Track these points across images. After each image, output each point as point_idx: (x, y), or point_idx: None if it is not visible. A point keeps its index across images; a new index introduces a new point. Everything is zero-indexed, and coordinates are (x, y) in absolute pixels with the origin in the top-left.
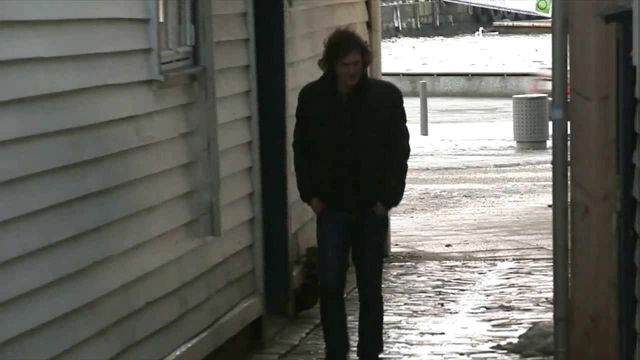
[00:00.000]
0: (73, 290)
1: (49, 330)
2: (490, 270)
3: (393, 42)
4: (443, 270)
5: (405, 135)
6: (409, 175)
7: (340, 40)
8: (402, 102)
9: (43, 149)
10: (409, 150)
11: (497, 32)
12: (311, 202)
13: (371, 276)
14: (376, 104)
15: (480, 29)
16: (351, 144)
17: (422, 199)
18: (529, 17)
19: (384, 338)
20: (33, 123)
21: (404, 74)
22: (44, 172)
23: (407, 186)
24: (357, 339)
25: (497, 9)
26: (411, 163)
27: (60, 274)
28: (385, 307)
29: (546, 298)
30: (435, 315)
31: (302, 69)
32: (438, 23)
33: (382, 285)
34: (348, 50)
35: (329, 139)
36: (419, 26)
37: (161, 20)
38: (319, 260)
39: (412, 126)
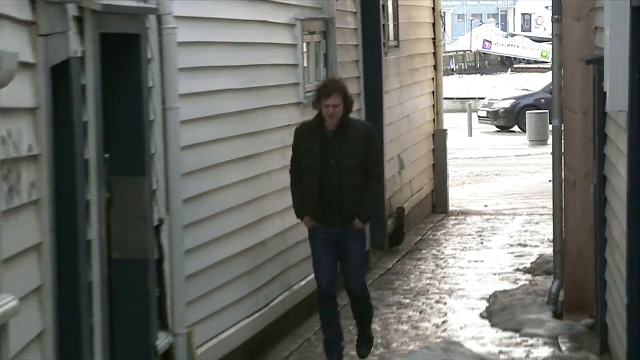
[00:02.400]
0: (252, 234)
1: (239, 258)
2: (512, 221)
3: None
4: (482, 221)
5: (379, 164)
6: (459, 161)
7: (325, 84)
8: (377, 138)
9: (233, 146)
10: (381, 177)
11: (515, 72)
12: (303, 219)
13: (355, 278)
14: (356, 139)
15: (509, 69)
16: (335, 171)
17: (468, 176)
18: (536, 61)
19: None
20: (226, 130)
21: (457, 98)
22: (234, 160)
23: (458, 167)
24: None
25: (516, 56)
26: (461, 153)
27: (245, 223)
28: (444, 246)
29: (548, 239)
30: (477, 249)
31: (392, 95)
32: (478, 66)
33: (443, 231)
34: (329, 94)
35: (317, 167)
36: (466, 67)
37: (305, 65)
38: (314, 269)
39: (462, 130)
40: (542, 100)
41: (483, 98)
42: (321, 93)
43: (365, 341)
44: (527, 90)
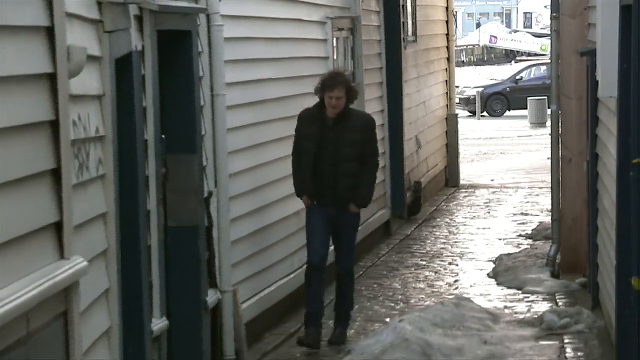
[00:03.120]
0: (287, 206)
1: (276, 226)
2: (515, 194)
3: (460, 68)
4: (489, 194)
5: (375, 153)
6: (469, 142)
7: (330, 77)
8: (374, 128)
9: (272, 129)
10: (377, 165)
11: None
12: (302, 198)
13: (345, 258)
14: (354, 129)
15: (512, 61)
16: (332, 158)
17: (477, 155)
18: (536, 54)
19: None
20: (266, 114)
21: (465, 87)
22: (273, 140)
23: (468, 147)
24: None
25: (519, 50)
26: (470, 135)
27: (282, 196)
28: (455, 216)
29: (547, 209)
30: (485, 218)
31: (411, 84)
32: (486, 58)
33: (455, 203)
34: (333, 87)
35: (315, 152)
36: (475, 60)
37: (334, 58)
38: (307, 243)
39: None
40: (508, 89)
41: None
42: (325, 85)
43: (342, 324)
44: (495, 80)
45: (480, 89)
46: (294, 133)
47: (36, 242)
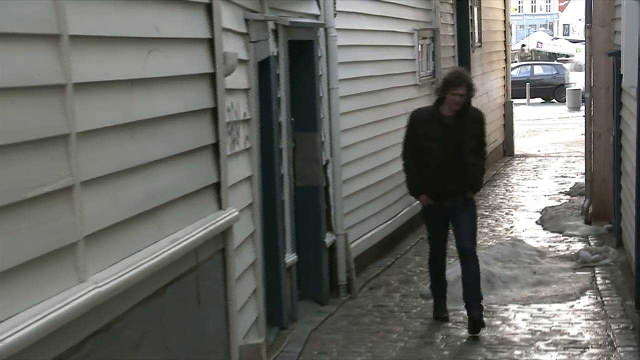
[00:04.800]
0: (384, 170)
1: (376, 186)
2: (556, 161)
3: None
4: (536, 161)
5: (486, 142)
6: (521, 122)
7: (455, 75)
8: (485, 120)
9: (372, 113)
10: (486, 153)
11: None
12: (419, 197)
13: (469, 240)
14: (472, 121)
15: (555, 60)
16: (458, 152)
17: (527, 132)
18: (573, 56)
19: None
20: (367, 102)
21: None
22: (373, 122)
23: (520, 126)
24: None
25: (559, 52)
26: (522, 116)
27: (380, 163)
28: (510, 177)
29: (581, 172)
30: (533, 179)
31: (477, 79)
32: (534, 59)
33: (510, 168)
34: (459, 85)
35: (439, 150)
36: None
37: (419, 60)
38: (428, 237)
39: (522, 101)
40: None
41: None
42: (451, 83)
43: (475, 303)
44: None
45: None
46: (405, 134)
47: (202, 197)
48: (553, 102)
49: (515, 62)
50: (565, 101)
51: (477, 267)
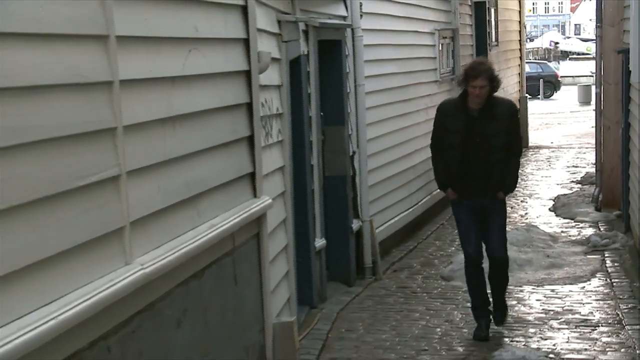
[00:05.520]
0: (407, 161)
1: (399, 175)
2: (568, 152)
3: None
4: (549, 152)
5: (520, 139)
6: (535, 115)
7: (473, 67)
8: (517, 116)
9: (395, 108)
10: (521, 151)
11: (572, 60)
12: (447, 191)
13: (500, 248)
14: (500, 116)
15: (567, 59)
16: (481, 148)
17: (540, 124)
18: (583, 54)
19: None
20: (391, 97)
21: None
22: (396, 116)
23: (534, 119)
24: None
25: (571, 51)
26: (536, 110)
27: (403, 154)
28: (525, 167)
29: (592, 162)
30: (546, 169)
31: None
32: (547, 57)
33: (525, 158)
34: (476, 76)
35: (463, 144)
36: (539, 58)
37: (440, 57)
38: (459, 237)
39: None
40: None
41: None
42: (468, 75)
43: (501, 309)
44: None
45: None
46: (433, 126)
47: (239, 185)
48: (538, 97)
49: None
50: (549, 96)
51: (505, 274)
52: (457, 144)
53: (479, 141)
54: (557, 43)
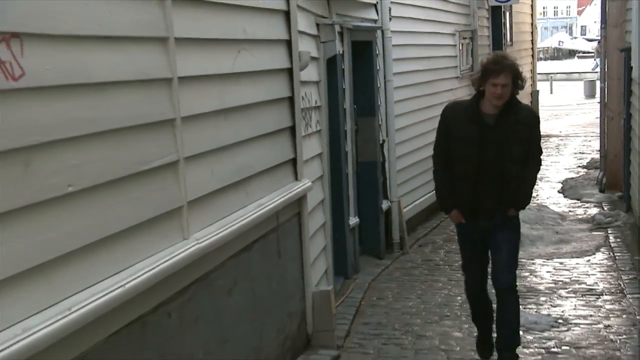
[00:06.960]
0: (430, 149)
1: (422, 161)
2: (575, 140)
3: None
4: (558, 140)
5: (539, 151)
6: (545, 107)
7: (495, 61)
8: (539, 123)
9: (420, 101)
10: (540, 163)
11: (578, 58)
12: (449, 213)
13: (506, 272)
14: (522, 122)
15: (576, 56)
16: (497, 162)
17: (550, 115)
18: (589, 52)
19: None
20: (416, 92)
21: (544, 73)
22: (420, 108)
23: (544, 110)
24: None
25: (577, 50)
26: (546, 103)
27: (426, 142)
28: None
29: (597, 149)
30: (555, 155)
31: None
32: (556, 55)
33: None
34: (500, 72)
35: (475, 157)
36: (549, 56)
37: (460, 56)
38: (462, 263)
39: (546, 91)
40: None
41: (561, 73)
42: (489, 70)
43: (508, 351)
44: None
45: None
46: (436, 134)
47: (282, 170)
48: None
49: (541, 58)
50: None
51: (517, 305)
52: (469, 158)
53: (492, 153)
54: (561, 42)
